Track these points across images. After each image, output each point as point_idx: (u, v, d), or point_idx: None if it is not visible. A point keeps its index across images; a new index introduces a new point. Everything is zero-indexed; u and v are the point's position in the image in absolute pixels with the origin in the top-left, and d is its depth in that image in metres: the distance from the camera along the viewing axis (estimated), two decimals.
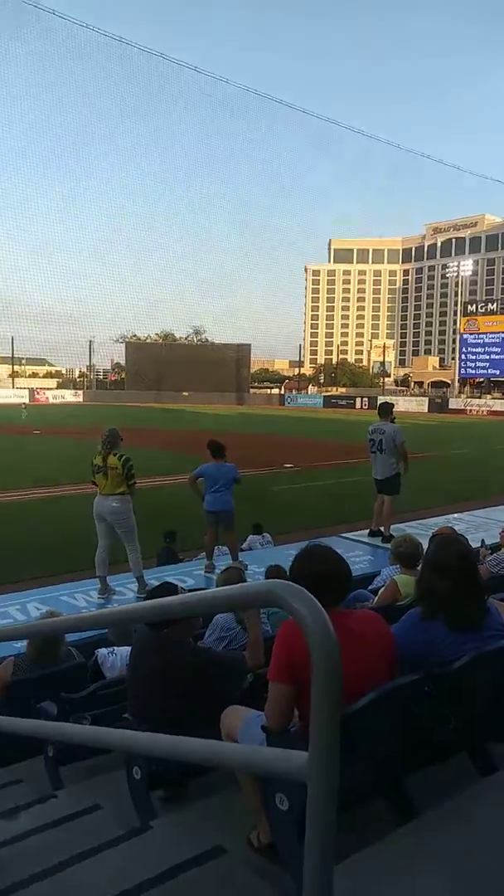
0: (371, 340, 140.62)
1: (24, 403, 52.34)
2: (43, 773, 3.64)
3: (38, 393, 70.19)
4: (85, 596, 6.91)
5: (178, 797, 3.18)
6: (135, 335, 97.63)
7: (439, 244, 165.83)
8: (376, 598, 5.24)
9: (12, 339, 78.71)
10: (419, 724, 2.57)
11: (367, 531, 9.84)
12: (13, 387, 74.77)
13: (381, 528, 9.64)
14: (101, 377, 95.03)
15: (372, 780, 2.53)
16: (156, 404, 63.30)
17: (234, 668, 3.41)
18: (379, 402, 11.38)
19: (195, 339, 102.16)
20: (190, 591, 5.57)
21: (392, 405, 10.24)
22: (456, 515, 11.46)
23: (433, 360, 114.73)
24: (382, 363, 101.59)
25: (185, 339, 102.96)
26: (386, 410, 9.88)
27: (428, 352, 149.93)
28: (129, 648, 4.16)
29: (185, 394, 70.59)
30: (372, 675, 2.46)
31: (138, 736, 1.67)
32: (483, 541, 7.60)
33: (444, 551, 2.78)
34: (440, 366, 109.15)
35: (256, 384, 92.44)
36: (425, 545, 5.27)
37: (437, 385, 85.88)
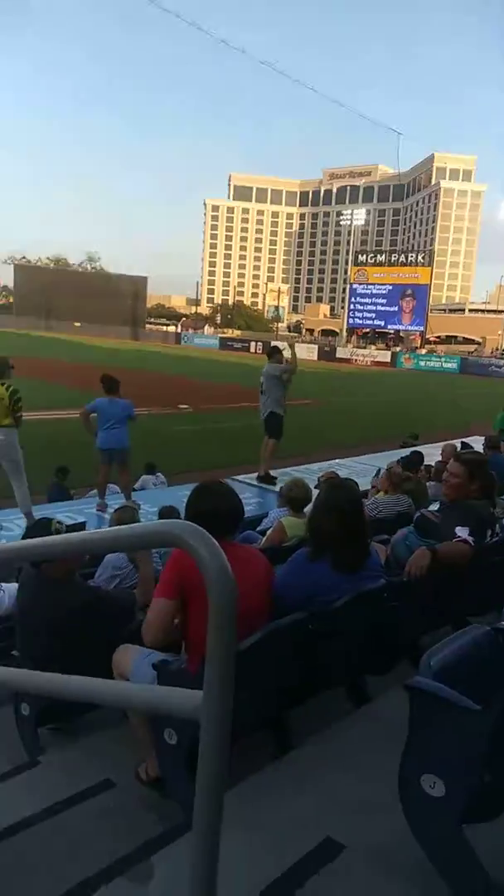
0: (267, 284, 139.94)
1: None
2: None
3: None
4: None
5: (66, 731, 3.19)
6: (24, 257, 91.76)
7: (335, 190, 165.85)
8: (263, 538, 5.37)
9: None
10: (302, 660, 2.70)
11: (255, 475, 9.97)
12: None
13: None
14: None
15: (258, 714, 2.64)
16: (45, 333, 60.35)
17: (124, 607, 3.41)
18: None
19: (89, 267, 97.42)
20: (73, 528, 5.49)
21: (277, 348, 10.30)
22: (338, 461, 11.90)
23: (324, 308, 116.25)
24: (276, 308, 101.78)
25: (79, 265, 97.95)
26: (269, 353, 10.07)
27: (320, 299, 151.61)
28: (17, 585, 4.06)
29: (77, 324, 67.63)
30: (257, 611, 2.54)
31: (31, 675, 1.63)
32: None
33: (334, 494, 2.87)
34: (331, 314, 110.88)
35: (153, 320, 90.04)
36: (310, 486, 5.48)
37: (326, 333, 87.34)
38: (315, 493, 5.78)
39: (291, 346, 9.90)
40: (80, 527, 6.00)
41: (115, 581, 4.39)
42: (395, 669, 3.07)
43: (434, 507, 3.87)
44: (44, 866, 2.11)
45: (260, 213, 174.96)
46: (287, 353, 9.66)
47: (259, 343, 64.76)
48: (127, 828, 2.29)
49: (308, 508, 5.41)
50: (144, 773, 2.52)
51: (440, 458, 8.70)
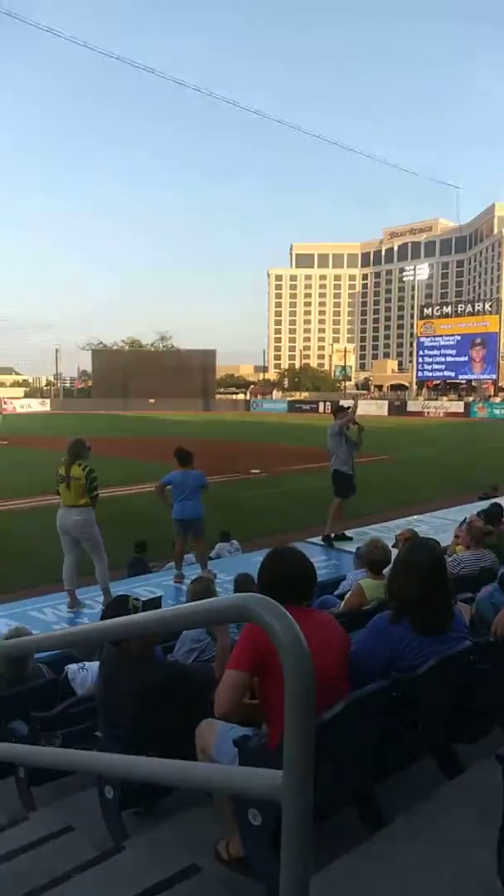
0: (332, 345, 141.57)
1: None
2: (14, 794, 3.55)
3: (4, 402, 68.96)
4: (54, 610, 6.78)
5: (151, 813, 3.13)
6: (101, 342, 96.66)
7: (396, 248, 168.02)
8: (342, 602, 5.25)
9: None
10: (387, 730, 2.58)
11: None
12: None
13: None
14: (68, 385, 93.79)
15: (343, 790, 2.53)
16: (123, 412, 62.73)
17: (204, 682, 3.37)
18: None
19: (161, 346, 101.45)
20: (149, 603, 5.53)
21: (342, 407, 10.41)
22: (416, 517, 11.59)
23: (392, 364, 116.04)
24: (343, 367, 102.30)
25: (152, 345, 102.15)
26: (335, 412, 10.23)
27: (387, 355, 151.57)
28: (98, 664, 4.10)
29: (152, 401, 70.05)
30: (336, 680, 2.46)
31: (111, 759, 1.64)
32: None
33: (415, 554, 2.78)
34: (399, 369, 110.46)
35: (222, 390, 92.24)
36: (388, 545, 5.35)
37: (396, 388, 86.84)
38: (394, 553, 5.66)
39: (355, 403, 9.95)
40: (157, 602, 6.04)
41: (193, 654, 4.38)
42: (488, 736, 2.89)
43: None
44: None
45: (322, 277, 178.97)
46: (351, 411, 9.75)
47: (328, 403, 65.02)
48: None
49: (388, 570, 5.29)
50: (226, 851, 2.45)
51: None
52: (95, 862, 2.75)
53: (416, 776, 2.77)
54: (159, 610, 2.03)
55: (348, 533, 9.95)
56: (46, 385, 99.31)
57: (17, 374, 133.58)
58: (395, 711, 2.55)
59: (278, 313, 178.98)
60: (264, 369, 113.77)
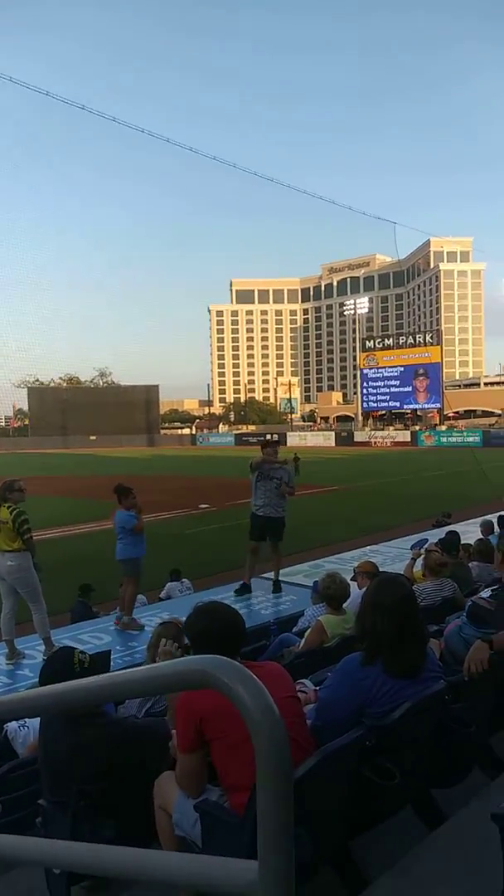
0: (277, 378, 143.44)
1: None
2: None
3: None
4: None
5: (103, 888, 2.86)
6: (37, 380, 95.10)
7: (335, 283, 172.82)
8: (303, 640, 5.08)
9: None
10: (362, 782, 2.42)
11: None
12: None
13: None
14: (3, 424, 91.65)
15: (318, 852, 2.34)
16: (63, 450, 61.60)
17: (156, 737, 3.14)
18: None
19: (101, 382, 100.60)
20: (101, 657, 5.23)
21: (265, 439, 9.82)
22: (371, 547, 11.57)
23: (337, 395, 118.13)
24: (289, 400, 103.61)
25: (91, 381, 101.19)
26: (262, 445, 9.08)
27: (331, 387, 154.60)
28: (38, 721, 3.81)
29: (93, 437, 69.17)
30: (300, 736, 2.32)
31: (57, 847, 1.42)
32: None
33: (385, 592, 2.64)
34: (343, 400, 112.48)
35: (167, 425, 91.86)
36: (346, 578, 5.24)
37: (342, 419, 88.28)
38: (353, 585, 5.54)
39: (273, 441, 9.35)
40: (106, 656, 5.70)
41: (147, 703, 4.12)
42: (467, 779, 2.76)
43: (485, 592, 3.61)
44: None
45: (264, 312, 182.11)
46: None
47: (275, 434, 65.58)
48: None
49: (347, 604, 5.16)
50: None
51: (480, 536, 8.41)
52: None
53: (394, 826, 2.60)
54: (110, 675, 1.82)
55: (304, 566, 9.79)
56: None
57: None
58: (369, 761, 2.40)
59: (221, 348, 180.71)
60: (209, 403, 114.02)
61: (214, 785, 2.35)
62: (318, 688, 3.27)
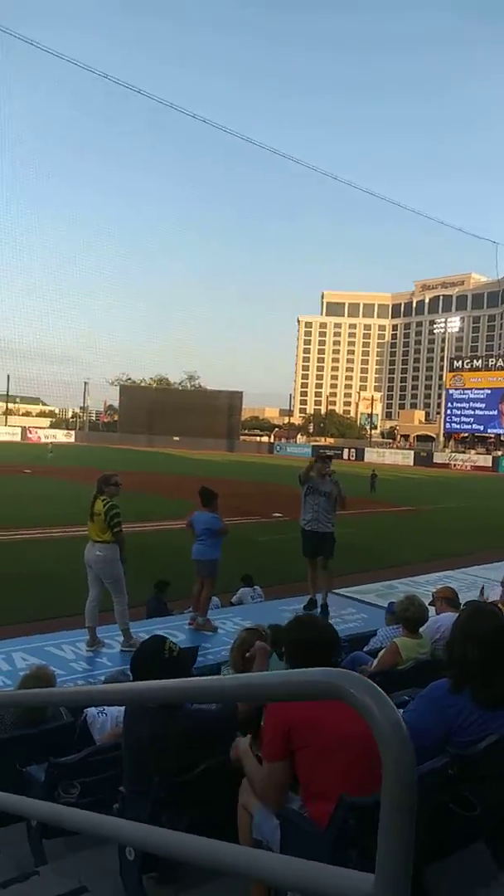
0: (359, 392, 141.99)
1: (50, 443, 52.46)
2: (25, 843, 3.36)
3: (30, 431, 69.95)
4: (73, 647, 6.60)
5: (173, 880, 2.93)
6: (129, 378, 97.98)
7: (427, 301, 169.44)
8: (376, 661, 5.03)
9: (8, 376, 78.98)
10: (441, 811, 2.39)
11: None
12: (6, 424, 74.58)
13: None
14: (94, 418, 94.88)
15: None
16: (147, 448, 63.15)
17: (231, 726, 3.19)
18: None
19: (189, 385, 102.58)
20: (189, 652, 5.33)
21: (318, 452, 9.55)
22: (447, 573, 11.28)
23: (419, 414, 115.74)
24: (370, 415, 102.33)
25: (179, 384, 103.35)
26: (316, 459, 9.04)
27: (414, 405, 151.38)
28: (120, 709, 3.93)
29: (177, 438, 70.56)
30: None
31: (147, 832, 1.48)
32: (482, 588, 7.46)
33: (479, 620, 2.63)
34: (426, 420, 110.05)
35: (247, 431, 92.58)
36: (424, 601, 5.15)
37: (422, 439, 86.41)
38: (431, 611, 5.44)
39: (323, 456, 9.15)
40: (194, 651, 5.80)
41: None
42: None
43: None
44: None
45: (352, 326, 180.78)
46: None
47: (353, 450, 64.82)
48: None
49: (424, 629, 5.08)
50: None
51: None
52: None
53: (465, 859, 2.55)
54: (246, 676, 1.87)
55: (377, 586, 9.60)
56: (72, 417, 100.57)
57: (44, 404, 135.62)
58: (451, 789, 2.37)
59: (306, 359, 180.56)
60: (289, 413, 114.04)
61: (295, 794, 2.39)
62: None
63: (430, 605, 5.48)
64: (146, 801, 2.73)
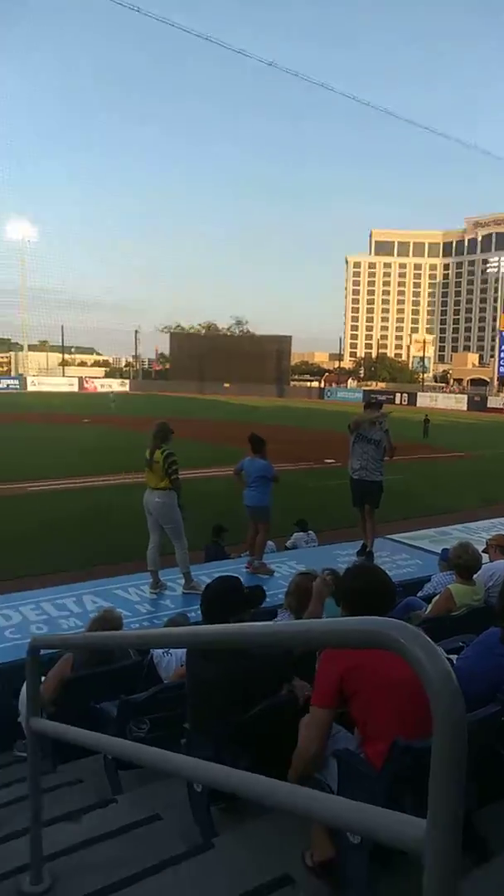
0: (411, 335, 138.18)
1: (112, 392, 53.44)
2: (103, 774, 3.58)
3: (86, 381, 71.02)
4: (137, 590, 6.85)
5: (239, 811, 3.08)
6: (179, 325, 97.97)
7: (480, 239, 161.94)
8: (430, 607, 5.05)
9: (62, 327, 79.95)
10: (494, 756, 2.43)
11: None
12: (63, 375, 75.93)
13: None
14: (147, 367, 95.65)
15: None
16: (198, 395, 63.45)
17: (286, 664, 3.28)
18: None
19: (237, 330, 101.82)
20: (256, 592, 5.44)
21: (370, 399, 9.13)
22: (502, 520, 11.10)
23: (473, 357, 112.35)
24: (422, 359, 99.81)
25: (228, 329, 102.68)
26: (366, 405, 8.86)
27: (467, 348, 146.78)
28: (184, 650, 4.07)
29: (227, 385, 70.56)
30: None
31: (210, 769, 1.54)
32: None
33: None
34: (480, 363, 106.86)
35: (296, 377, 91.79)
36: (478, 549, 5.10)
37: (476, 383, 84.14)
38: (485, 557, 5.40)
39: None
40: (262, 591, 5.93)
41: None
42: None
43: None
44: None
45: (402, 265, 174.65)
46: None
47: (405, 394, 63.64)
48: None
49: (478, 575, 5.05)
50: (311, 858, 2.39)
51: None
52: (184, 857, 2.72)
53: None
54: (300, 623, 1.90)
55: (429, 532, 9.54)
56: (126, 366, 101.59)
57: (98, 354, 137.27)
58: (502, 737, 2.39)
59: (355, 301, 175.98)
60: (339, 357, 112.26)
61: (349, 732, 2.45)
62: (449, 656, 3.26)
63: (483, 552, 5.43)
64: (209, 739, 2.85)
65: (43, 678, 4.34)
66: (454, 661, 3.02)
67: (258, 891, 2.34)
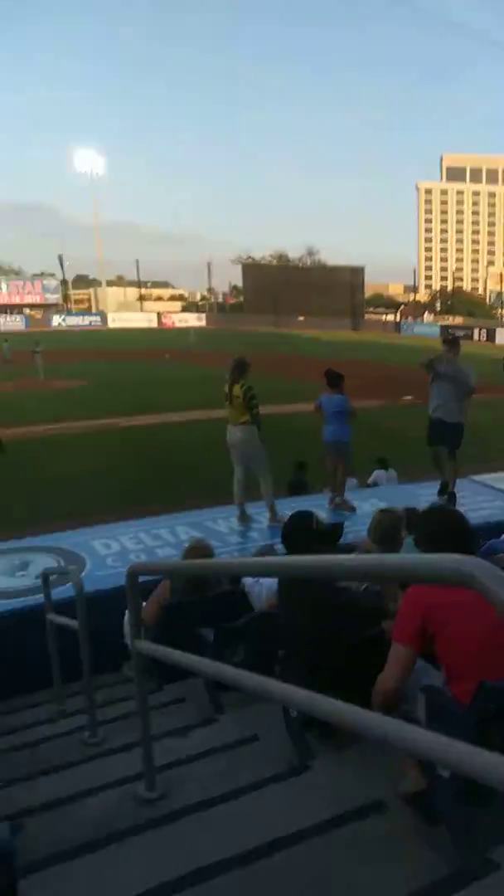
0: (488, 268, 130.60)
1: (192, 328, 53.85)
2: (204, 694, 3.73)
3: (164, 317, 71.30)
4: (227, 522, 6.98)
5: (334, 737, 3.16)
6: (250, 256, 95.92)
7: None
8: None
9: (137, 261, 79.87)
10: None
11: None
12: (142, 310, 76.40)
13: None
14: (221, 300, 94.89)
15: None
16: (274, 329, 62.67)
17: (376, 610, 3.27)
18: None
19: (308, 261, 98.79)
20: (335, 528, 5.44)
21: (447, 335, 8.30)
22: None
23: None
24: (500, 293, 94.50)
25: (299, 259, 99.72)
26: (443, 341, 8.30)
27: None
28: (273, 580, 4.13)
29: (301, 318, 69.25)
30: None
31: (304, 696, 1.55)
32: None
33: None
34: None
35: (371, 310, 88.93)
36: None
37: None
38: None
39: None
40: (339, 528, 5.95)
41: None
42: None
43: None
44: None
45: (476, 193, 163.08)
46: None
47: (483, 330, 60.69)
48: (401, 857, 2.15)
49: None
50: (403, 787, 2.40)
51: None
52: (281, 777, 2.82)
53: None
54: (381, 556, 1.88)
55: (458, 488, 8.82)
56: (201, 300, 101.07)
57: (174, 287, 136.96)
58: None
59: (428, 230, 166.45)
60: (414, 290, 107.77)
61: (439, 671, 2.44)
62: None
63: None
64: (301, 667, 2.90)
65: (144, 603, 4.55)
66: None
67: (352, 814, 2.41)
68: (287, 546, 3.36)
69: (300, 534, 3.30)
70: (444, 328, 59.45)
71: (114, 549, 6.12)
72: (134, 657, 2.81)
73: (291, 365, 27.13)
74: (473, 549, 2.65)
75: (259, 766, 2.85)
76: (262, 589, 4.58)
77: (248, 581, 4.67)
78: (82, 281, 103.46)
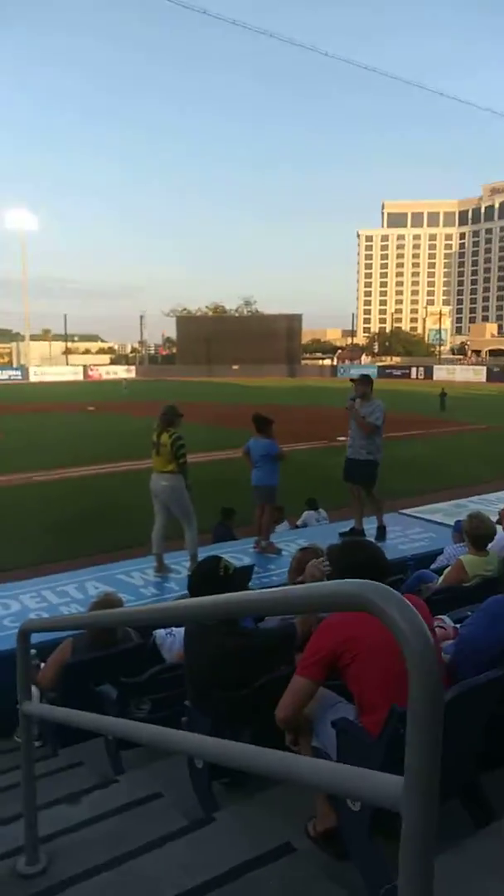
0: (426, 308, 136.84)
1: (124, 379, 53.98)
2: (104, 755, 3.63)
3: (91, 369, 71.15)
4: (142, 574, 6.89)
5: (241, 784, 3.11)
6: (185, 309, 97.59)
7: (497, 206, 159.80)
8: (441, 578, 5.05)
9: (65, 316, 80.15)
10: (498, 721, 2.43)
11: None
12: (67, 363, 76.14)
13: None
14: (153, 352, 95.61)
15: (449, 783, 2.40)
16: (207, 378, 63.39)
17: (288, 643, 3.29)
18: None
19: (245, 311, 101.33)
20: (244, 571, 5.45)
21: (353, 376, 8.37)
22: None
23: (491, 327, 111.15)
24: (438, 331, 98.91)
25: (236, 311, 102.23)
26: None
27: (486, 318, 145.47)
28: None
29: (236, 367, 70.39)
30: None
31: (207, 742, 1.57)
32: None
33: None
34: (498, 333, 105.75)
35: (308, 355, 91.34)
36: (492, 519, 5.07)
37: (495, 353, 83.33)
38: (499, 529, 5.37)
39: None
40: (248, 570, 5.98)
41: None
42: None
43: None
44: None
45: (416, 237, 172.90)
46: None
47: (421, 368, 63.17)
48: None
49: (491, 546, 5.03)
50: (313, 828, 2.43)
51: None
52: (186, 831, 2.75)
53: None
54: (272, 591, 1.92)
55: (441, 506, 9.47)
56: (131, 352, 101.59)
57: (103, 341, 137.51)
58: None
59: (368, 275, 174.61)
60: (352, 333, 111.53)
61: (350, 703, 2.47)
62: (456, 625, 3.27)
63: (497, 522, 5.40)
64: (209, 715, 2.88)
65: (43, 664, 4.41)
66: (460, 630, 3.03)
67: (259, 860, 2.37)
68: (192, 594, 3.36)
69: (205, 581, 3.30)
70: (381, 369, 61.46)
71: (12, 609, 5.93)
72: (21, 720, 2.72)
73: (225, 413, 27.41)
74: (385, 579, 2.71)
75: (158, 824, 2.78)
76: (174, 640, 4.53)
77: (160, 633, 4.60)
78: (5, 335, 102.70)
